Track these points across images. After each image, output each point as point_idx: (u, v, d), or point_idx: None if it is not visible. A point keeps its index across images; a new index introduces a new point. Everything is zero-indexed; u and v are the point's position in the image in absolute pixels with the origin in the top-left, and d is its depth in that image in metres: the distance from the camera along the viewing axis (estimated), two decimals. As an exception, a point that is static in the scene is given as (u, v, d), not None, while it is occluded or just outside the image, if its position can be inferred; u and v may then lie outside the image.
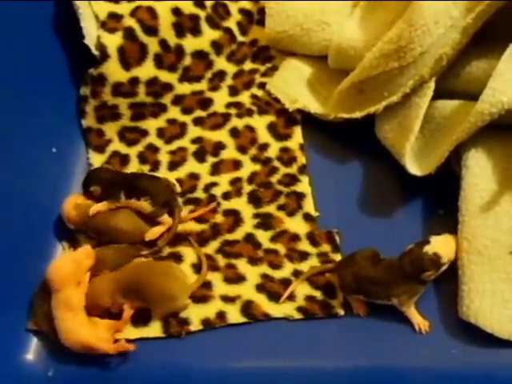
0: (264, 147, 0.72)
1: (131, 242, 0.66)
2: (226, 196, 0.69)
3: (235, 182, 0.70)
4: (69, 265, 0.61)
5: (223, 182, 0.70)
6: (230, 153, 0.72)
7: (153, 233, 0.66)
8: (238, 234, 0.67)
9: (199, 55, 0.75)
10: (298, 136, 0.72)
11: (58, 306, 0.60)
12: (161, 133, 0.74)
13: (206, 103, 0.75)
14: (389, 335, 0.59)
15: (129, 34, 0.72)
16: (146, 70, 0.73)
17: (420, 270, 0.57)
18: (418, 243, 0.58)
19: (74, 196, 0.68)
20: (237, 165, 0.71)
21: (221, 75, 0.76)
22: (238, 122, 0.73)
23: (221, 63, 0.76)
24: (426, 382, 0.58)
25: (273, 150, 0.71)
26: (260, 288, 0.63)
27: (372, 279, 0.58)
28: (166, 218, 0.66)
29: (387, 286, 0.58)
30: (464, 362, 0.58)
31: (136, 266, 0.63)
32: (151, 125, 0.74)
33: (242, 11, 0.78)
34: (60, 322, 0.60)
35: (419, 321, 0.59)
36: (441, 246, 0.57)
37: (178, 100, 0.75)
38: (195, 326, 0.61)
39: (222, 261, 0.65)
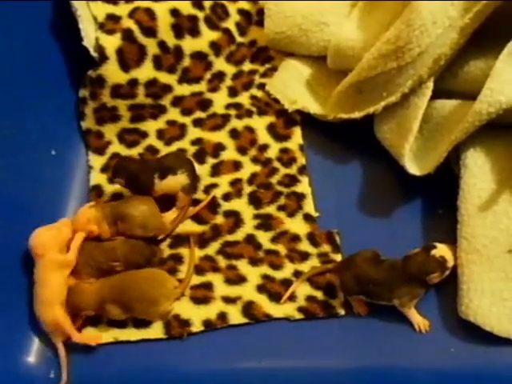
0: (264, 148, 0.73)
1: (144, 235, 0.67)
2: (227, 197, 0.71)
3: (235, 183, 0.71)
4: (48, 231, 0.65)
5: (223, 183, 0.72)
6: (229, 154, 0.73)
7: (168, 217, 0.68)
8: (239, 235, 0.68)
9: (198, 56, 0.77)
10: (297, 137, 0.74)
11: (44, 269, 0.63)
12: (160, 134, 0.75)
13: (205, 104, 0.77)
14: (389, 335, 0.61)
15: (127, 35, 0.73)
16: (145, 72, 0.75)
17: (426, 272, 0.59)
18: (425, 247, 0.60)
19: (85, 207, 0.68)
20: (237, 166, 0.72)
21: (220, 76, 0.78)
22: (237, 123, 0.75)
23: (220, 64, 0.78)
24: (426, 381, 0.60)
25: (272, 151, 0.73)
26: (261, 288, 0.65)
27: (374, 280, 0.60)
28: (182, 196, 0.68)
29: (389, 288, 0.60)
30: (463, 361, 0.59)
31: (119, 276, 0.64)
32: (151, 126, 0.76)
33: (241, 12, 0.80)
34: (46, 282, 0.62)
35: (419, 320, 0.61)
36: (446, 251, 0.60)
37: (177, 101, 0.77)
38: (196, 327, 0.63)
39: (222, 262, 0.67)
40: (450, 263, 0.60)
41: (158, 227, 0.67)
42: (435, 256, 0.59)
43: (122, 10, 0.75)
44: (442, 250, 0.60)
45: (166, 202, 0.69)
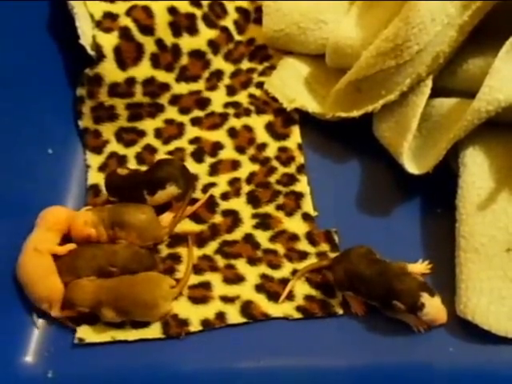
0: (262, 147, 0.75)
1: (141, 244, 0.68)
2: (225, 196, 0.72)
3: (234, 182, 0.73)
4: (63, 211, 0.70)
5: (222, 182, 0.73)
6: (228, 153, 0.75)
7: (165, 220, 0.69)
8: (237, 235, 0.70)
9: (196, 55, 0.78)
10: (296, 135, 0.75)
11: (34, 239, 0.66)
12: (158, 133, 0.77)
13: (203, 103, 0.78)
14: (387, 334, 0.62)
15: (124, 33, 0.75)
16: (143, 70, 0.76)
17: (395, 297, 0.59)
18: (414, 304, 0.58)
19: (82, 210, 0.70)
20: (235, 165, 0.74)
21: (218, 75, 0.79)
22: (235, 122, 0.76)
23: (218, 62, 0.80)
24: (425, 381, 0.61)
25: (271, 150, 0.74)
26: (259, 288, 0.66)
27: (361, 277, 0.61)
28: (175, 204, 0.70)
29: (373, 289, 0.60)
30: (462, 360, 0.61)
31: (116, 280, 0.65)
32: (148, 125, 0.77)
33: (239, 10, 0.81)
34: (33, 256, 0.66)
35: (415, 320, 0.61)
36: (436, 311, 0.59)
37: (175, 100, 0.78)
38: (194, 326, 0.64)
39: (221, 261, 0.68)
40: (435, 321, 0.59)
41: (155, 237, 0.69)
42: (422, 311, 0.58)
43: (120, 7, 0.77)
44: (431, 310, 0.58)
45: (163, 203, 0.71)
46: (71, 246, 0.67)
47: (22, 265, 0.66)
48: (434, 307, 0.59)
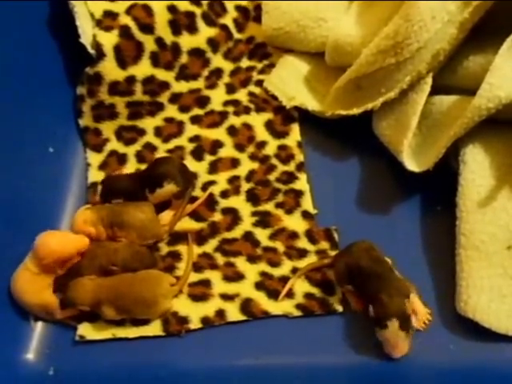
0: (262, 145, 0.74)
1: (141, 243, 0.68)
2: (224, 194, 0.72)
3: (233, 180, 0.73)
4: (58, 240, 0.66)
5: (221, 180, 0.73)
6: (227, 151, 0.74)
7: (165, 218, 0.69)
8: (237, 233, 0.70)
9: (196, 53, 0.78)
10: (295, 133, 0.75)
11: (31, 271, 0.65)
12: (158, 132, 0.77)
13: (203, 101, 0.78)
14: (387, 331, 0.62)
15: (125, 32, 0.75)
16: (143, 69, 0.76)
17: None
18: (382, 321, 0.58)
19: (82, 209, 0.70)
20: (235, 163, 0.74)
21: (218, 73, 0.79)
22: (235, 120, 0.76)
23: (217, 61, 0.79)
24: (424, 378, 0.61)
25: (270, 148, 0.74)
26: (259, 286, 0.66)
27: (361, 269, 0.61)
28: (175, 202, 0.69)
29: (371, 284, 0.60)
30: (462, 358, 0.60)
31: (116, 278, 0.65)
32: (148, 124, 0.77)
33: (239, 8, 0.81)
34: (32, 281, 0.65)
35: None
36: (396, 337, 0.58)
37: (175, 98, 0.78)
38: (194, 324, 0.64)
39: (220, 259, 0.68)
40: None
41: (154, 235, 0.68)
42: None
43: (120, 6, 0.76)
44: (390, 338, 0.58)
45: (163, 201, 0.70)
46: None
47: (13, 282, 0.65)
48: (394, 338, 0.58)
